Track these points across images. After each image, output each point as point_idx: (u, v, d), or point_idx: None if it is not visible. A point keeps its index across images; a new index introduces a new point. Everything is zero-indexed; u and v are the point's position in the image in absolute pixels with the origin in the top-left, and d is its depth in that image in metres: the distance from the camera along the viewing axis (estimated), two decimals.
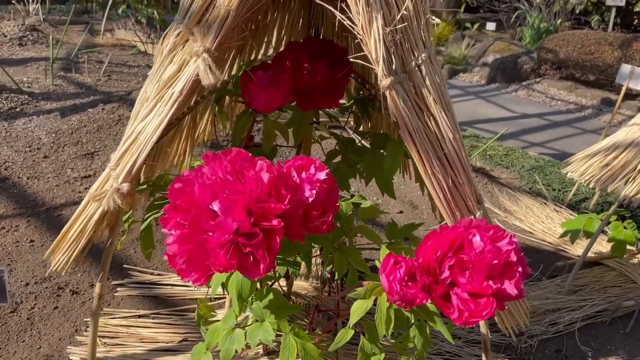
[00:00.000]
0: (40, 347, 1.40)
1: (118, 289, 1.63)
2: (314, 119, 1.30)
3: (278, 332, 0.96)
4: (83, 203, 1.01)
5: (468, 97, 4.78)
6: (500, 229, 0.84)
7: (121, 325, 1.48)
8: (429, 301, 0.80)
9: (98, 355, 1.36)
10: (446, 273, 0.80)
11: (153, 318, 1.53)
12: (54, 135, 2.49)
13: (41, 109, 2.77)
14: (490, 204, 2.45)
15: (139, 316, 1.53)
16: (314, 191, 0.87)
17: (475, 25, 7.27)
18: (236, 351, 0.97)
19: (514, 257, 0.81)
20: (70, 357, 1.37)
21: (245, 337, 0.97)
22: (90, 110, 2.76)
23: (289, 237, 0.87)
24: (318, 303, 1.10)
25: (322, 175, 0.89)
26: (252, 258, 0.81)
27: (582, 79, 5.32)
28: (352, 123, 1.37)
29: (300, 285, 1.64)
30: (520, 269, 0.82)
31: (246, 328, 0.99)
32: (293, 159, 0.91)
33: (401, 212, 2.30)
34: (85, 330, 1.46)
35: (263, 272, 0.81)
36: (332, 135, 1.33)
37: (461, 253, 0.81)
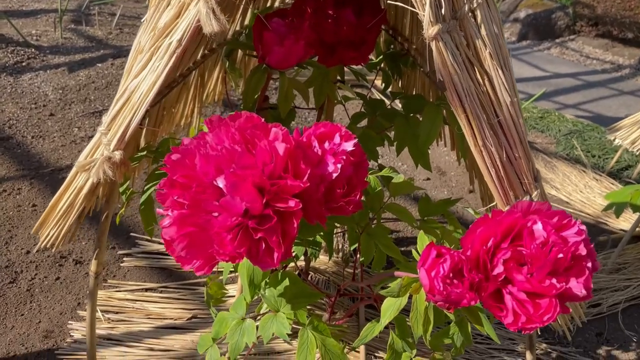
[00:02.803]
0: (40, 321, 1.30)
1: (124, 259, 1.52)
2: (339, 77, 1.14)
3: (295, 325, 0.84)
4: (72, 173, 0.88)
5: None
6: (566, 214, 0.68)
7: (126, 299, 1.38)
8: (478, 302, 0.66)
9: (101, 332, 1.26)
10: (500, 268, 0.66)
11: (161, 292, 1.42)
12: (60, 91, 2.36)
13: (48, 63, 2.63)
14: None
15: (146, 289, 1.43)
16: (338, 165, 0.72)
17: None
18: (247, 345, 0.84)
19: (583, 251, 0.67)
20: (71, 333, 1.28)
21: (257, 330, 0.85)
22: (99, 65, 2.61)
23: (308, 219, 0.72)
24: (340, 287, 0.97)
25: (349, 146, 0.73)
26: (264, 245, 0.68)
27: (619, 36, 4.99)
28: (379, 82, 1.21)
29: (319, 259, 1.51)
30: (589, 264, 0.67)
31: (258, 318, 0.87)
32: (314, 125, 0.76)
33: (428, 179, 2.14)
34: None
35: (277, 261, 0.67)
36: (358, 96, 1.17)
37: (518, 244, 0.67)
